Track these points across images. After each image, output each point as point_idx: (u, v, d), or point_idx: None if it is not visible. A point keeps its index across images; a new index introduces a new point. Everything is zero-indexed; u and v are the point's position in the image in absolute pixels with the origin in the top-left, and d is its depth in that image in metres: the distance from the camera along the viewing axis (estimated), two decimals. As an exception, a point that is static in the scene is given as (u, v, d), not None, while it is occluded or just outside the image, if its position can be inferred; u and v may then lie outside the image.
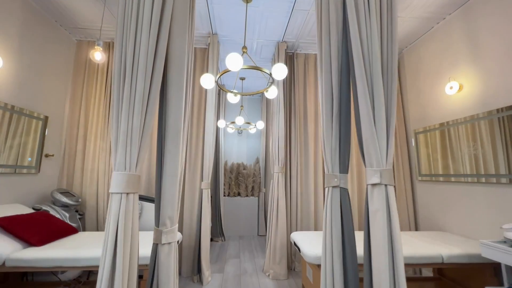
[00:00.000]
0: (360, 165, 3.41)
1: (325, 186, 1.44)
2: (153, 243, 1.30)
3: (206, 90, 3.26)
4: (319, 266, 2.05)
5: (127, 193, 1.10)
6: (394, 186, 3.28)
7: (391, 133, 1.22)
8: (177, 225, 1.38)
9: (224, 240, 4.57)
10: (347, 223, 1.35)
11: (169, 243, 1.31)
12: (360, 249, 1.81)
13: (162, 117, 1.35)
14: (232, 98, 2.89)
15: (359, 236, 2.39)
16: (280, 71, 2.26)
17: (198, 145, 3.19)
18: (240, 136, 5.26)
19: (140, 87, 1.16)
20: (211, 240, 4.51)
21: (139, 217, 2.66)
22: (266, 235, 4.89)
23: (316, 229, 3.19)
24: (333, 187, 1.39)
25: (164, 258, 1.28)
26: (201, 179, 3.09)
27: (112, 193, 1.09)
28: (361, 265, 1.64)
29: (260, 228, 4.91)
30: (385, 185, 1.18)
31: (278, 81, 3.26)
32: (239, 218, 4.86)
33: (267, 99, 5.26)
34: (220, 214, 4.61)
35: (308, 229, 3.16)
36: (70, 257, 1.89)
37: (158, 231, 1.30)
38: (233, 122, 4.13)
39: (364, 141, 1.26)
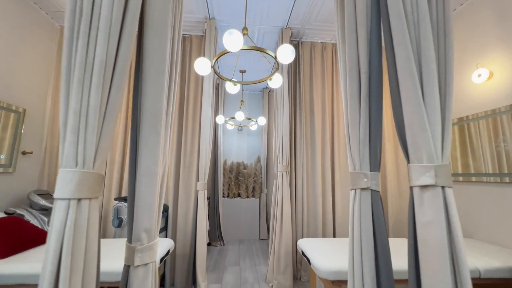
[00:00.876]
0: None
1: (350, 188, 1.10)
2: (124, 265, 0.96)
3: (202, 79, 2.92)
4: (334, 282, 1.71)
5: (79, 199, 0.76)
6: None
7: (449, 115, 0.88)
8: (157, 239, 1.04)
9: (223, 244, 4.23)
10: (381, 235, 1.02)
11: (146, 264, 0.97)
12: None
13: (137, 97, 1.01)
14: (231, 88, 2.55)
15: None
16: (286, 53, 1.92)
17: (193, 142, 2.85)
18: (240, 133, 4.92)
19: (101, 50, 0.82)
20: (209, 244, 4.17)
21: (121, 225, 2.31)
22: (268, 239, 4.55)
23: (324, 235, 2.85)
24: (362, 189, 1.05)
25: (138, 285, 0.94)
26: (197, 179, 2.75)
27: (55, 199, 0.75)
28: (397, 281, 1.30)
29: (261, 231, 4.56)
30: (442, 187, 0.84)
31: (282, 70, 2.92)
32: (239, 221, 4.52)
33: (268, 94, 4.93)
34: (219, 216, 4.27)
35: (315, 235, 2.81)
36: (37, 273, 1.55)
37: (130, 249, 0.96)
38: (233, 118, 3.80)
39: (407, 127, 0.92)
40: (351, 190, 1.11)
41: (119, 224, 2.35)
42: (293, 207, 2.90)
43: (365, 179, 1.05)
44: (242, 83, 2.46)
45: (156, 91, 1.00)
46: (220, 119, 3.89)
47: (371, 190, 1.05)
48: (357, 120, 1.08)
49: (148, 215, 0.97)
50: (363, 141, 1.06)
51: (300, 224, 2.89)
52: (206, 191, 2.74)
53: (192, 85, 2.95)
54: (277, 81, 2.37)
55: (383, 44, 1.04)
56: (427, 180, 0.85)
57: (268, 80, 2.39)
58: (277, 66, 2.22)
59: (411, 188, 0.92)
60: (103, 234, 2.58)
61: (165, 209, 2.75)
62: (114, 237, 2.41)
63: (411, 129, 0.91)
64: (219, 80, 4.48)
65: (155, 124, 0.99)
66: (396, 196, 2.96)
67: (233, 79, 2.44)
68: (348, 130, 1.12)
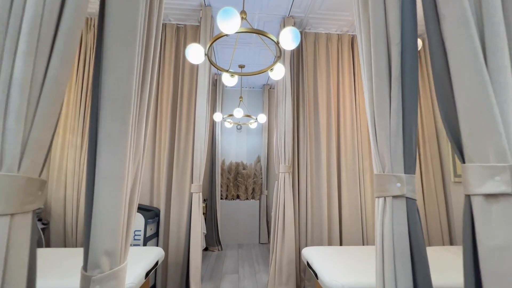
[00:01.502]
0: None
1: (377, 195, 0.85)
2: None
3: (197, 72, 2.67)
4: (346, 302, 1.45)
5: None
6: (422, 190, 2.69)
7: (526, 95, 0.63)
8: (125, 263, 0.79)
9: (221, 249, 3.97)
10: (420, 255, 0.77)
11: (107, 299, 0.71)
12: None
13: (97, 74, 0.75)
14: (228, 80, 2.29)
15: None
16: (290, 37, 1.66)
17: (188, 140, 2.59)
18: (239, 132, 4.67)
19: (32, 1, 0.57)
20: (206, 249, 3.91)
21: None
22: (268, 243, 4.29)
23: (330, 242, 2.59)
24: (394, 197, 0.80)
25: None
26: (191, 181, 2.49)
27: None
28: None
29: (261, 235, 4.30)
30: (522, 196, 0.59)
31: (284, 61, 2.66)
32: (238, 224, 4.26)
33: (269, 91, 4.67)
34: (216, 220, 4.01)
35: (320, 242, 2.56)
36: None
37: (84, 279, 0.70)
38: (231, 115, 3.54)
39: (462, 112, 0.67)
40: (378, 197, 0.85)
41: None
42: (296, 211, 2.65)
43: (398, 184, 0.79)
44: (241, 74, 2.20)
45: (122, 66, 0.74)
46: (217, 117, 3.63)
47: (406, 198, 0.80)
48: (387, 107, 0.83)
49: (110, 233, 0.71)
50: (395, 134, 0.81)
51: (303, 230, 2.63)
52: (201, 194, 2.48)
53: (187, 78, 2.69)
54: (278, 72, 2.11)
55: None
56: (497, 186, 0.60)
57: (269, 71, 2.13)
58: (279, 54, 1.97)
59: (468, 197, 0.67)
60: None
61: (156, 214, 2.50)
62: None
63: (469, 115, 0.65)
64: (217, 76, 4.23)
65: (120, 110, 0.73)
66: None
67: (230, 70, 2.19)
68: (373, 120, 0.87)
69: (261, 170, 4.47)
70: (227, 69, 2.18)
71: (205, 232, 3.67)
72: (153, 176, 2.64)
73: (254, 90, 4.82)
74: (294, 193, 2.67)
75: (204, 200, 4.29)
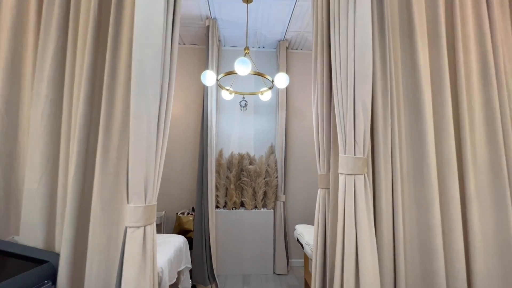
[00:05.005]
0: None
1: None
2: None
3: None
4: None
5: None
6: None
7: None
8: None
9: (217, 287, 2.52)
10: None
11: None
12: None
13: None
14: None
15: None
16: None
17: (115, 98, 1.10)
18: (244, 110, 3.16)
19: None
20: (193, 288, 2.46)
21: None
22: (288, 275, 2.82)
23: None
24: None
25: None
26: (128, 199, 0.99)
27: None
28: None
29: (278, 262, 2.84)
30: None
31: None
32: (242, 246, 2.80)
33: (287, 51, 3.14)
34: (208, 241, 2.55)
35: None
36: None
37: None
38: (231, 73, 2.03)
39: None
40: None
41: None
42: (380, 250, 1.16)
43: None
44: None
45: None
46: (209, 78, 2.13)
47: None
48: None
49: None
50: None
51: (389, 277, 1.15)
52: (150, 228, 0.99)
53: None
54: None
55: None
56: None
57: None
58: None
59: None
60: None
61: (50, 269, 1.03)
62: None
63: None
64: (209, 21, 2.70)
65: None
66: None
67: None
68: None
69: (276, 165, 2.98)
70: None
71: (189, 267, 2.22)
72: (55, 185, 1.17)
73: (264, 52, 3.29)
74: (371, 211, 1.16)
75: (189, 213, 2.83)
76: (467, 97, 1.29)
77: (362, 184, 1.06)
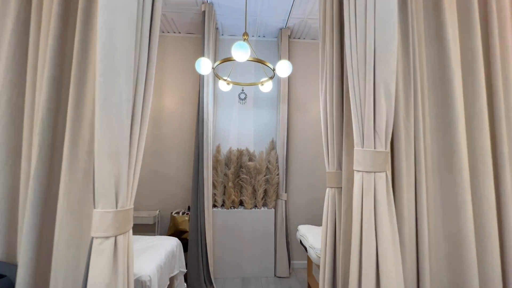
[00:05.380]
0: None
1: None
2: None
3: None
4: None
5: None
6: None
7: None
8: None
9: (214, 291, 2.35)
10: None
11: None
12: None
13: None
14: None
15: None
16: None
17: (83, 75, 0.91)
18: (244, 103, 2.96)
19: None
20: (189, 293, 2.29)
21: None
22: (290, 278, 2.65)
23: None
24: None
25: None
26: (94, 202, 0.80)
27: None
28: None
29: (279, 264, 2.66)
30: None
31: None
32: (241, 248, 2.62)
33: (289, 40, 2.93)
34: (205, 242, 2.37)
35: None
36: None
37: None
38: (228, 59, 1.83)
39: None
40: None
41: None
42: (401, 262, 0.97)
43: None
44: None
45: None
46: (205, 65, 1.93)
47: None
48: None
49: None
50: None
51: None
52: (128, 237, 0.80)
53: None
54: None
55: None
56: None
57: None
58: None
59: None
60: None
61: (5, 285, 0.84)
62: None
63: None
64: (205, 5, 2.48)
65: None
66: None
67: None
68: None
69: (277, 162, 2.79)
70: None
71: (184, 270, 2.05)
72: (16, 184, 0.99)
73: (265, 41, 3.08)
74: (392, 214, 0.97)
75: (185, 212, 2.65)
76: (503, 81, 1.10)
77: (384, 183, 0.87)
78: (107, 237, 0.73)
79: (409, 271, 0.99)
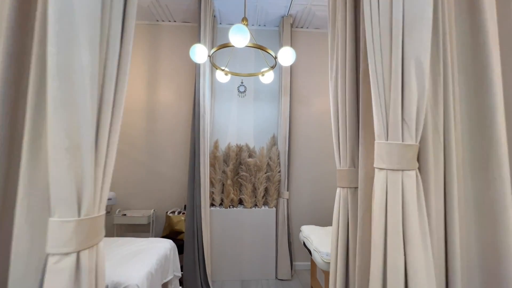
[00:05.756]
0: None
1: None
2: None
3: None
4: None
5: None
6: None
7: None
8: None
9: (212, 296, 2.21)
10: None
11: None
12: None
13: None
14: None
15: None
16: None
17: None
18: (243, 97, 2.79)
19: None
20: (185, 298, 2.15)
21: None
22: (292, 280, 2.50)
23: None
24: None
25: None
26: (49, 207, 0.63)
27: None
28: None
29: (280, 266, 2.51)
30: None
31: None
32: (241, 249, 2.47)
33: (291, 29, 2.75)
34: (201, 243, 2.22)
35: None
36: None
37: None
38: (226, 45, 1.65)
39: None
40: None
41: None
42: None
43: None
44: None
45: None
46: (200, 53, 1.75)
47: None
48: None
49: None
50: None
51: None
52: (97, 251, 0.64)
53: None
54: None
55: None
56: None
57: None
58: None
59: None
60: None
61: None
62: None
63: None
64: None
65: None
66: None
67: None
68: None
69: (278, 158, 2.62)
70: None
71: (179, 274, 1.90)
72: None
73: (266, 30, 2.90)
74: (424, 220, 0.81)
75: (181, 211, 2.49)
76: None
77: (414, 184, 0.70)
78: (66, 254, 0.57)
79: (438, 285, 0.84)
